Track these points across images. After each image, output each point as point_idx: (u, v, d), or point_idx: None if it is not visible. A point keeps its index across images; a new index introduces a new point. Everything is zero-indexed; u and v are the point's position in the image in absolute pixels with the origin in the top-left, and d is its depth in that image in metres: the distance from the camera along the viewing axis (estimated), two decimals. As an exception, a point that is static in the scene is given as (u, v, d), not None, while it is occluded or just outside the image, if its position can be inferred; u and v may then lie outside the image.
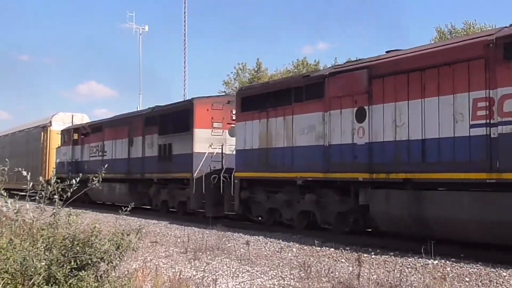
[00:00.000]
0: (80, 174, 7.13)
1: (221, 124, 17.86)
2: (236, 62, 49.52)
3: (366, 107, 11.49)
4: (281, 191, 13.85)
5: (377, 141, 11.23)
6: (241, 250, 10.87)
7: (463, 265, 8.79)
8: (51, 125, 30.39)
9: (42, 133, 30.88)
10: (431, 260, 9.07)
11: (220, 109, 17.97)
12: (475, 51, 9.70)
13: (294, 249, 11.03)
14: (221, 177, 16.11)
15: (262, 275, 8.47)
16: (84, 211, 7.19)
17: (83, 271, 5.04)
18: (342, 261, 9.65)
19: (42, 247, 5.07)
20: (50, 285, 4.92)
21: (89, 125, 26.26)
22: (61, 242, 5.23)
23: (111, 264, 5.37)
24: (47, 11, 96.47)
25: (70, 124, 29.54)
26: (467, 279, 7.94)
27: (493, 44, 9.39)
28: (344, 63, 12.73)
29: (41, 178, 5.80)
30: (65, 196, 5.76)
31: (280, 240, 12.13)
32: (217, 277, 8.03)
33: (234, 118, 16.64)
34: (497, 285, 7.65)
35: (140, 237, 5.83)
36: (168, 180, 18.92)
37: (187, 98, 21.33)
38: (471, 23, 32.12)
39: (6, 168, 5.84)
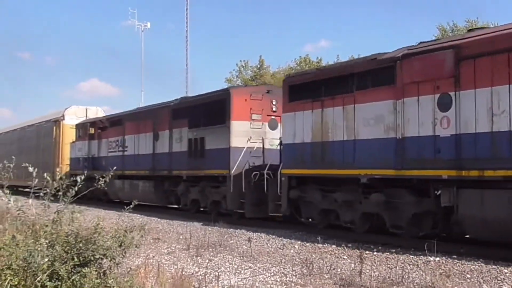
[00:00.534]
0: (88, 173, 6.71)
1: (260, 116, 16.18)
2: (238, 59, 49.57)
3: (451, 94, 9.89)
4: (339, 190, 12.28)
5: (467, 133, 9.60)
6: (243, 246, 10.90)
7: (464, 262, 8.80)
8: (64, 119, 28.80)
9: (54, 127, 29.32)
10: (433, 257, 9.08)
11: (259, 99, 16.24)
12: None
13: (296, 246, 11.05)
14: (265, 175, 14.40)
15: (264, 272, 8.50)
16: (87, 208, 7.21)
17: (86, 268, 5.07)
18: (344, 258, 9.67)
19: (45, 243, 5.10)
20: (53, 281, 4.95)
21: (108, 119, 24.55)
22: (64, 239, 5.25)
23: (114, 261, 5.40)
24: (48, 9, 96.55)
25: (84, 118, 28.15)
26: (469, 276, 7.95)
27: None
28: (418, 44, 11.06)
29: (45, 175, 5.66)
30: (71, 192, 5.66)
31: (282, 237, 12.15)
32: (219, 273, 8.06)
33: (274, 109, 15.89)
34: (499, 281, 7.67)
35: (143, 234, 5.84)
36: (199, 177, 17.25)
37: (222, 88, 18.42)
38: (473, 21, 32.00)
39: (11, 165, 5.81)
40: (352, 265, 8.80)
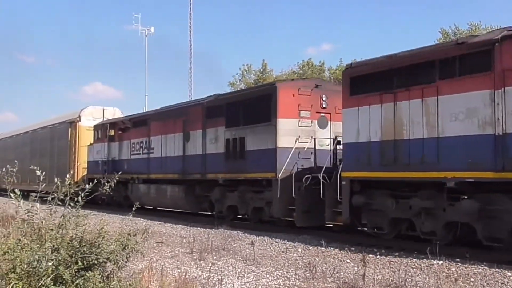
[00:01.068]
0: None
1: (309, 113, 14.56)
2: (241, 63, 49.68)
3: None
4: (416, 196, 10.69)
5: None
6: (247, 250, 10.91)
7: (468, 265, 8.79)
8: (80, 120, 27.30)
9: (70, 129, 27.80)
10: (436, 260, 9.08)
11: (308, 94, 14.57)
12: None
13: (300, 250, 11.05)
14: (321, 178, 12.80)
15: (268, 275, 8.50)
16: (92, 212, 7.25)
17: (89, 272, 5.09)
18: (347, 262, 9.66)
19: (50, 247, 5.12)
20: (57, 285, 4.97)
21: (130, 119, 22.72)
22: (69, 243, 5.28)
23: (117, 265, 5.42)
24: (52, 13, 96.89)
25: (101, 119, 26.63)
26: (472, 279, 7.95)
27: None
28: None
29: (56, 180, 5.56)
30: (81, 197, 5.62)
31: (286, 241, 12.15)
32: (222, 277, 8.07)
33: (324, 105, 14.51)
34: (502, 285, 7.66)
35: (146, 237, 5.86)
36: (238, 181, 15.67)
37: (266, 83, 17.45)
38: (476, 24, 32.02)
39: (14, 170, 5.80)
40: (355, 268, 8.80)
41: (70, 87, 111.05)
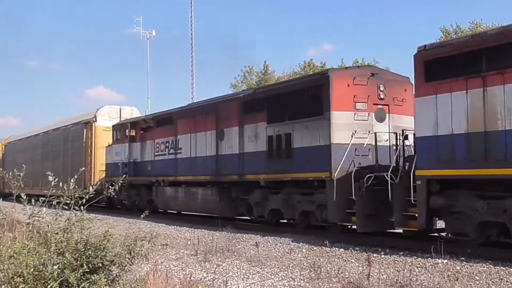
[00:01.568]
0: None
1: (365, 105, 13.01)
2: (243, 65, 49.72)
3: None
4: None
5: None
6: (251, 251, 10.92)
7: (473, 263, 8.78)
8: (96, 120, 25.95)
9: (85, 130, 26.50)
10: (441, 259, 9.07)
11: (364, 84, 13.02)
12: None
13: (304, 250, 11.06)
14: (389, 177, 11.22)
15: (273, 276, 8.51)
16: (97, 215, 7.24)
17: (95, 275, 5.11)
18: (352, 261, 9.67)
19: (55, 251, 5.15)
20: (62, 288, 5.00)
21: (154, 117, 21.16)
22: (74, 246, 5.30)
23: (123, 268, 5.44)
24: (53, 17, 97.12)
25: (118, 119, 25.44)
26: (477, 278, 7.94)
27: None
28: None
29: (61, 184, 5.52)
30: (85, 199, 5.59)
31: (290, 241, 12.15)
32: (227, 278, 8.08)
33: (381, 96, 13.01)
34: (508, 283, 7.65)
35: (153, 244, 5.87)
36: (282, 183, 14.17)
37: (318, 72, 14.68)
38: (478, 22, 31.98)
39: (21, 174, 5.81)
40: (360, 268, 8.80)
41: (73, 91, 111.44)
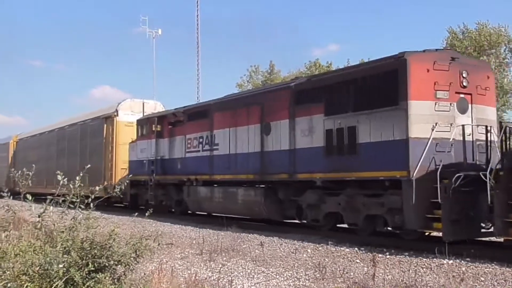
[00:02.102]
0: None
1: (447, 94, 11.27)
2: (249, 65, 49.76)
3: None
4: None
5: None
6: (256, 251, 10.92)
7: (478, 264, 8.77)
8: (117, 115, 24.30)
9: (105, 125, 24.81)
10: (446, 260, 9.06)
11: (445, 69, 11.32)
12: None
13: (309, 250, 11.05)
14: (488, 178, 9.75)
15: (278, 276, 8.51)
16: (102, 214, 7.30)
17: (100, 274, 5.13)
18: (357, 262, 9.66)
19: (61, 249, 5.17)
20: (68, 287, 5.02)
21: (185, 111, 19.23)
22: (80, 245, 5.32)
23: (128, 267, 5.46)
24: (58, 17, 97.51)
25: (141, 113, 23.81)
26: (482, 279, 7.92)
27: None
28: None
29: (71, 184, 5.48)
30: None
31: (295, 241, 12.14)
32: (232, 278, 8.08)
33: (464, 83, 11.39)
34: (513, 284, 7.62)
35: (160, 243, 5.88)
36: (342, 183, 12.48)
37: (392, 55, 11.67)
38: (484, 23, 31.82)
39: (30, 173, 5.80)
40: (365, 268, 8.79)
41: (79, 90, 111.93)
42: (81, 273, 5.07)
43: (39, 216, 5.48)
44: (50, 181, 22.69)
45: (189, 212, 19.16)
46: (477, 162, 10.98)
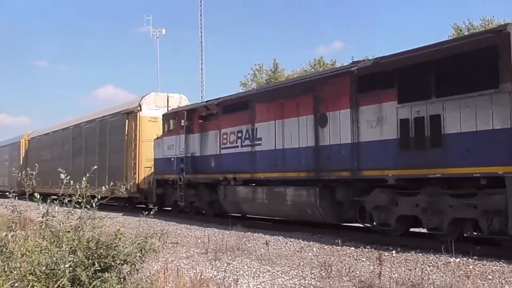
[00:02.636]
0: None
1: None
2: (253, 63, 49.74)
3: None
4: None
5: None
6: (261, 250, 10.91)
7: (485, 262, 8.72)
8: (140, 109, 22.73)
9: (127, 121, 23.22)
10: (453, 258, 9.02)
11: None
12: None
13: (315, 249, 11.03)
14: None
15: (283, 275, 8.50)
16: (108, 213, 7.31)
17: (106, 273, 5.13)
18: (363, 260, 9.63)
19: (67, 249, 5.17)
20: (74, 286, 5.02)
21: (219, 103, 17.35)
22: (86, 245, 5.33)
23: (134, 266, 5.46)
24: (62, 17, 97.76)
25: (166, 108, 22.33)
26: (490, 277, 7.88)
27: None
28: None
29: (77, 185, 5.47)
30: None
31: (300, 240, 12.12)
32: (238, 277, 8.08)
33: None
34: (521, 282, 7.58)
35: (164, 242, 5.87)
36: (421, 181, 10.80)
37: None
38: (490, 19, 31.72)
39: (34, 173, 5.80)
40: (371, 267, 8.76)
41: (82, 89, 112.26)
42: (87, 272, 5.07)
43: (43, 216, 5.49)
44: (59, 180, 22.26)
45: (223, 214, 17.22)
46: None
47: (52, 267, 4.95)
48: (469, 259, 8.95)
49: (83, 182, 5.52)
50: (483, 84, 9.61)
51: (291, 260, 9.90)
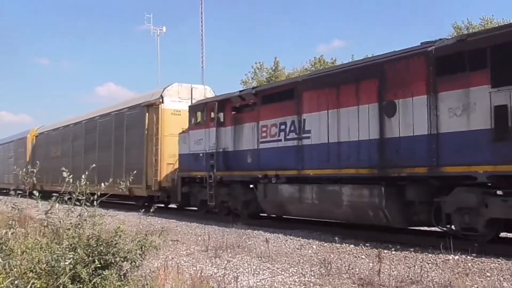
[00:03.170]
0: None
1: None
2: (253, 62, 49.70)
3: None
4: None
5: None
6: (261, 247, 10.93)
7: (484, 259, 8.74)
8: (162, 102, 21.07)
9: (147, 114, 21.63)
10: (452, 255, 9.04)
11: None
12: None
13: (314, 246, 11.06)
14: None
15: (283, 272, 8.52)
16: (107, 211, 7.34)
17: (106, 270, 5.16)
18: (362, 258, 9.66)
19: (67, 246, 5.20)
20: (75, 284, 5.05)
21: (257, 92, 15.84)
22: (86, 242, 5.35)
23: (134, 264, 5.49)
24: (63, 15, 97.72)
25: (189, 100, 20.75)
26: (489, 274, 7.90)
27: None
28: None
29: (77, 182, 5.48)
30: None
31: (300, 237, 12.15)
32: (238, 274, 8.10)
33: None
34: (520, 279, 7.60)
35: (165, 240, 5.90)
36: None
37: None
38: (489, 18, 31.70)
39: (34, 170, 5.82)
40: (371, 264, 8.79)
41: (83, 87, 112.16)
42: (88, 269, 5.10)
43: (45, 214, 5.52)
44: (76, 179, 21.70)
45: (261, 215, 16.06)
46: None
47: (53, 265, 4.98)
48: (468, 257, 8.97)
49: (83, 180, 5.55)
50: None
51: (291, 257, 9.92)
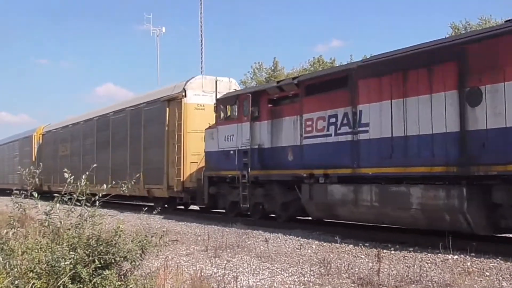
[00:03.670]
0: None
1: None
2: (253, 61, 49.71)
3: None
4: None
5: None
6: (261, 247, 10.95)
7: (483, 259, 8.75)
8: (185, 95, 19.26)
9: (168, 109, 19.85)
10: (451, 255, 9.05)
11: None
12: None
13: (314, 246, 11.07)
14: None
15: (283, 272, 8.54)
16: (108, 211, 7.37)
17: (106, 270, 5.17)
18: (361, 257, 9.67)
19: (67, 246, 5.21)
20: (75, 283, 5.06)
21: (300, 82, 13.92)
22: (86, 242, 5.37)
23: (134, 263, 5.50)
24: (62, 15, 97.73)
25: (213, 94, 18.81)
26: (488, 274, 7.92)
27: None
28: None
29: (78, 182, 5.45)
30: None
31: (300, 237, 12.15)
32: (237, 274, 8.11)
33: None
34: (518, 279, 7.61)
35: (165, 242, 5.91)
36: None
37: None
38: (487, 18, 31.73)
39: (37, 171, 5.83)
40: (370, 264, 8.80)
41: (82, 88, 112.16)
42: (88, 269, 5.11)
43: (47, 214, 5.53)
44: (89, 179, 20.53)
45: (298, 218, 14.94)
46: None
47: (53, 265, 4.99)
48: (467, 256, 8.98)
49: (83, 181, 5.56)
50: None
51: (291, 257, 9.94)
